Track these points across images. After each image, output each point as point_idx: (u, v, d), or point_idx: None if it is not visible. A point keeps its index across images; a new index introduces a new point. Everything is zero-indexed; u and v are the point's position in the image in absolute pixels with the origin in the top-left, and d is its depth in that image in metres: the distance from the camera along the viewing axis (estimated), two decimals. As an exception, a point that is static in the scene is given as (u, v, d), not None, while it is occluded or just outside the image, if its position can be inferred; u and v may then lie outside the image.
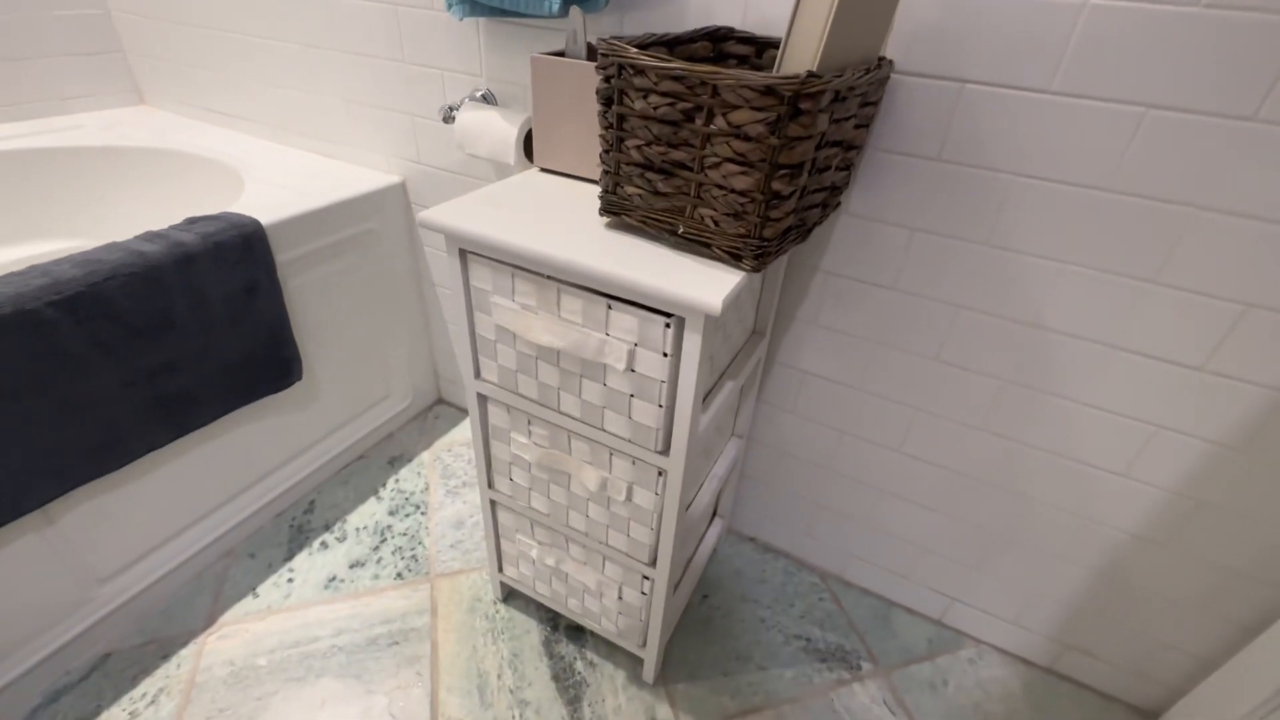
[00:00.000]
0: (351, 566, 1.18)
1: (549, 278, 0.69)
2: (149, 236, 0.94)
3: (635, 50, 0.57)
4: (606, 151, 0.65)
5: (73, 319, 0.82)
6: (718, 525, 1.23)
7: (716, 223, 0.62)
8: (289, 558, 1.18)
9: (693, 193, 0.62)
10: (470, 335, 0.80)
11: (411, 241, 1.35)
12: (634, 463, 0.77)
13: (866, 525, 1.13)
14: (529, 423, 0.84)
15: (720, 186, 0.59)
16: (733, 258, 0.63)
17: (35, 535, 0.88)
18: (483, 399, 0.87)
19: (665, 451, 0.74)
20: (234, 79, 1.37)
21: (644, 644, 0.97)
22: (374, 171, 1.28)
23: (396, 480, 1.37)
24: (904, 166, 0.81)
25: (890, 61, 0.73)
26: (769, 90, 0.52)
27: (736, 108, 0.54)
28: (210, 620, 1.07)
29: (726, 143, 0.57)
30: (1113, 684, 1.04)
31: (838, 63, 0.58)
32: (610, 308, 0.67)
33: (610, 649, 1.07)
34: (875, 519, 1.12)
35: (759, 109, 0.53)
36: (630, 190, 0.66)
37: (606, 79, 0.60)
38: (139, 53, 1.50)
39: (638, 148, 0.62)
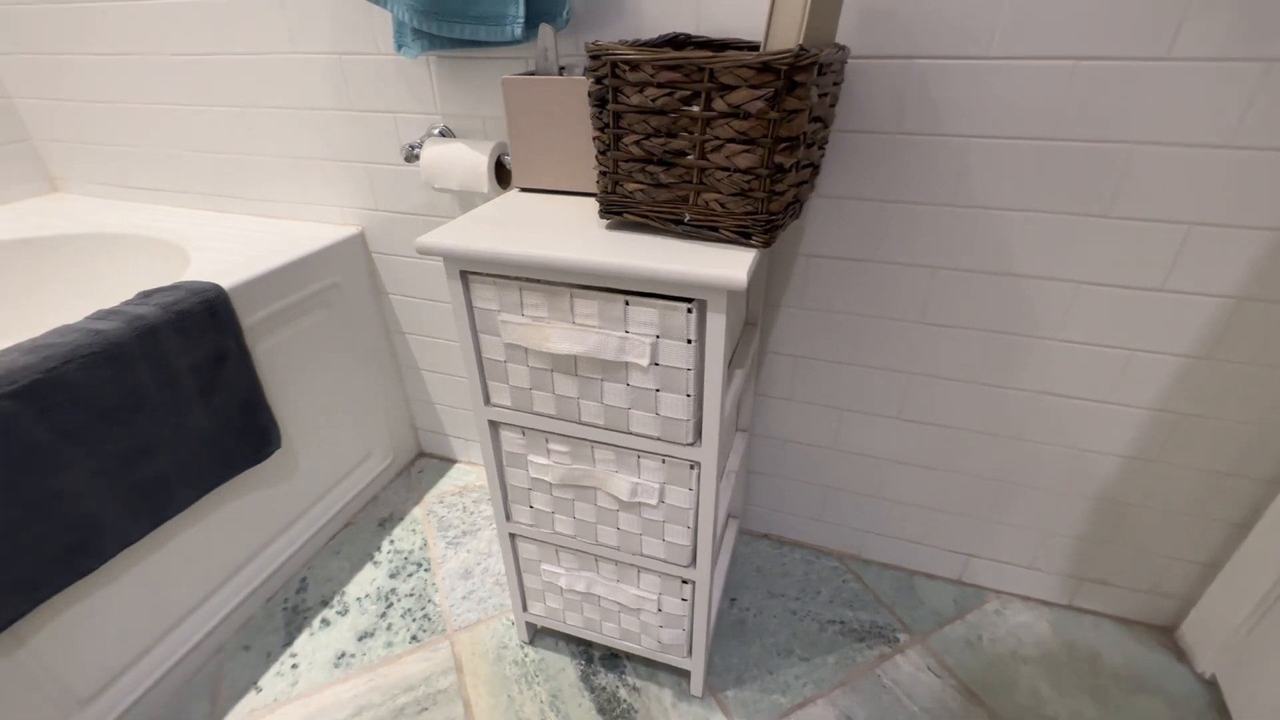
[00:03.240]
0: (360, 639, 1.09)
1: (561, 284, 0.69)
2: (102, 314, 0.88)
3: (628, 49, 0.59)
4: (603, 152, 0.66)
5: (33, 409, 0.74)
6: (733, 527, 1.23)
7: (723, 205, 0.64)
8: (288, 642, 1.09)
9: (695, 180, 0.64)
10: (477, 360, 0.78)
11: (376, 291, 1.31)
12: (664, 461, 0.77)
13: (876, 499, 1.16)
14: (547, 441, 0.82)
15: (723, 168, 0.61)
16: (742, 236, 0.65)
17: (5, 660, 0.78)
18: (494, 425, 0.84)
19: (697, 441, 0.74)
20: (157, 152, 1.31)
21: (689, 653, 0.95)
22: (327, 226, 1.25)
23: (391, 541, 1.29)
24: (866, 143, 0.86)
25: (845, 47, 0.78)
26: (765, 67, 0.55)
27: (734, 88, 0.57)
28: (212, 726, 0.97)
29: (727, 124, 0.59)
30: (1130, 607, 1.09)
31: (813, 43, 0.62)
32: (628, 303, 0.67)
33: (651, 670, 1.04)
34: (883, 490, 1.14)
35: (756, 86, 0.56)
36: (631, 187, 0.67)
37: (599, 80, 0.62)
38: (46, 137, 1.41)
39: (636, 142, 0.63)
